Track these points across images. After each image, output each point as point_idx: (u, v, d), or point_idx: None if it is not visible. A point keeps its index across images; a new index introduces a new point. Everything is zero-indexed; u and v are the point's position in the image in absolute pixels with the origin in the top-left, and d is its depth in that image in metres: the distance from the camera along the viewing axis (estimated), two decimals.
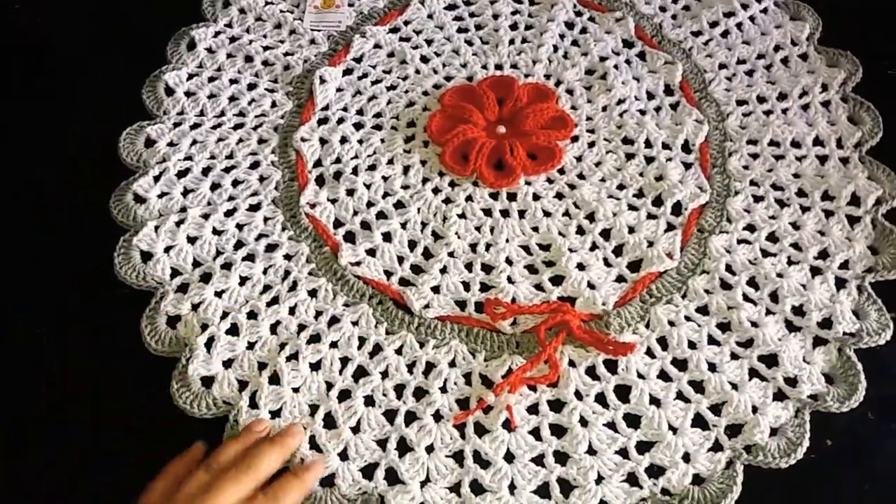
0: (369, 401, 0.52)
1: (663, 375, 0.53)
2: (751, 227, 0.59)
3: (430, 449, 0.50)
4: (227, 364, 0.54)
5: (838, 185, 0.60)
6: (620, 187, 0.61)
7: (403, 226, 0.60)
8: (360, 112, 0.67)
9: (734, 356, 0.53)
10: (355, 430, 0.51)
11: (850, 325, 0.53)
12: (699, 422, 0.51)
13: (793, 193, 0.60)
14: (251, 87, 0.68)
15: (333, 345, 0.54)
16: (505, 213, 0.60)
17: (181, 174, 0.63)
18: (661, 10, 0.72)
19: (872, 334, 0.53)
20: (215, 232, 0.60)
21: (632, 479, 0.49)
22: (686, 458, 0.49)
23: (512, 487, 0.49)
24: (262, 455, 0.48)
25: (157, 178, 0.62)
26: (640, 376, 0.52)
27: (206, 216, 0.60)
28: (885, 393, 0.52)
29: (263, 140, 0.65)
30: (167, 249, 0.58)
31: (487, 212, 0.61)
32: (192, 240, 0.59)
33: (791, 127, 0.63)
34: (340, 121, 0.66)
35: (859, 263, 0.56)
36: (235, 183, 0.62)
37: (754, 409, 0.51)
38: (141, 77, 0.69)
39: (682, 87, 0.66)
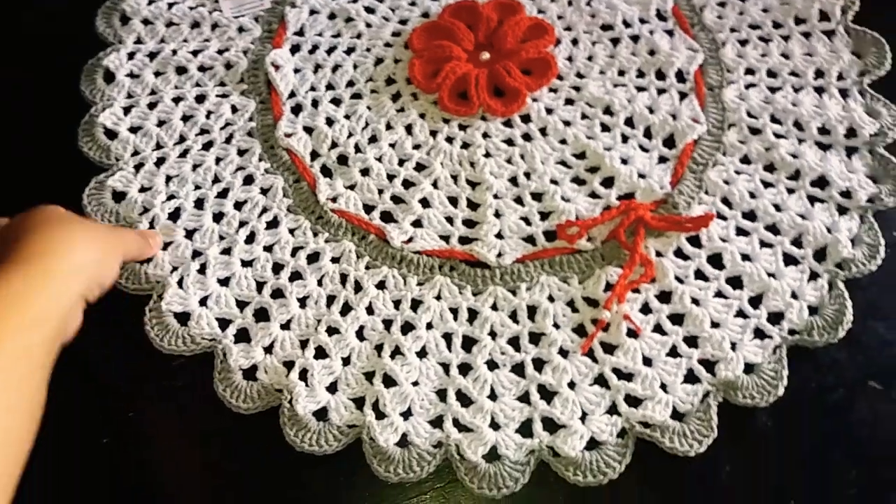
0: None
1: (741, 231, 0.54)
2: (750, 71, 0.61)
3: (571, 385, 0.50)
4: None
5: (805, 5, 0.63)
6: (621, 73, 0.61)
7: (435, 185, 0.57)
8: (330, 87, 0.61)
9: (790, 191, 0.55)
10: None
11: (870, 127, 0.57)
12: (789, 260, 0.53)
13: (770, 27, 0.62)
14: (200, 98, 0.61)
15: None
16: (527, 137, 0.59)
17: (173, 216, 0.55)
18: None
19: (891, 127, 0.57)
20: (245, 264, 0.54)
21: (760, 334, 0.51)
22: (794, 295, 0.52)
23: (664, 387, 0.49)
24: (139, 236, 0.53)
25: (151, 224, 0.55)
26: (723, 240, 0.54)
27: (227, 251, 0.54)
28: None
29: (244, 150, 0.58)
30: (202, 301, 0.52)
31: (509, 142, 0.59)
32: (223, 281, 0.53)
33: None
34: (315, 103, 0.60)
35: (851, 70, 0.60)
36: (238, 206, 0.56)
37: (829, 230, 0.54)
38: (66, 134, 0.59)
39: None
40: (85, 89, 0.61)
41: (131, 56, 0.62)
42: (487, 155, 0.58)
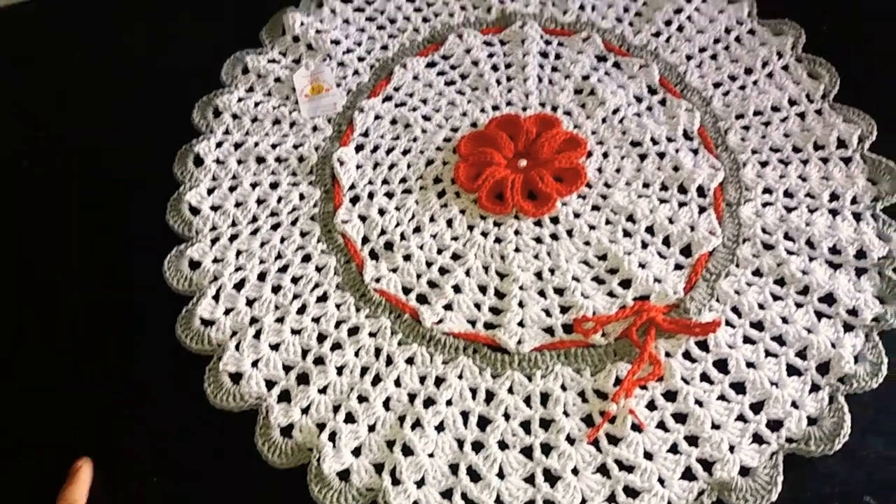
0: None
1: (748, 340, 0.58)
2: (767, 190, 0.66)
3: (574, 471, 0.53)
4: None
5: (823, 133, 0.67)
6: (646, 185, 0.67)
7: (468, 273, 0.63)
8: (385, 182, 0.70)
9: (798, 305, 0.59)
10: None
11: (880, 250, 0.61)
12: (792, 370, 0.56)
13: (790, 151, 0.67)
14: (273, 185, 0.70)
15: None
16: (555, 237, 0.65)
17: (238, 286, 0.64)
18: (617, 21, 0.79)
19: None
20: (294, 332, 0.61)
21: (758, 439, 0.54)
22: (794, 405, 0.55)
23: (661, 482, 0.53)
24: (67, 495, 0.54)
25: (216, 298, 0.63)
26: (730, 347, 0.57)
27: (280, 320, 0.62)
28: None
29: (305, 232, 0.67)
30: (254, 363, 0.59)
31: (538, 240, 0.65)
32: (274, 346, 0.60)
33: (765, 95, 0.71)
34: (371, 195, 0.69)
35: (865, 195, 0.64)
36: (295, 280, 0.64)
37: (833, 345, 0.57)
38: (158, 206, 0.69)
39: (662, 84, 0.73)
40: (177, 170, 0.71)
41: (219, 145, 0.73)
42: (517, 250, 0.64)
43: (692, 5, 0.78)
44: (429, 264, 0.64)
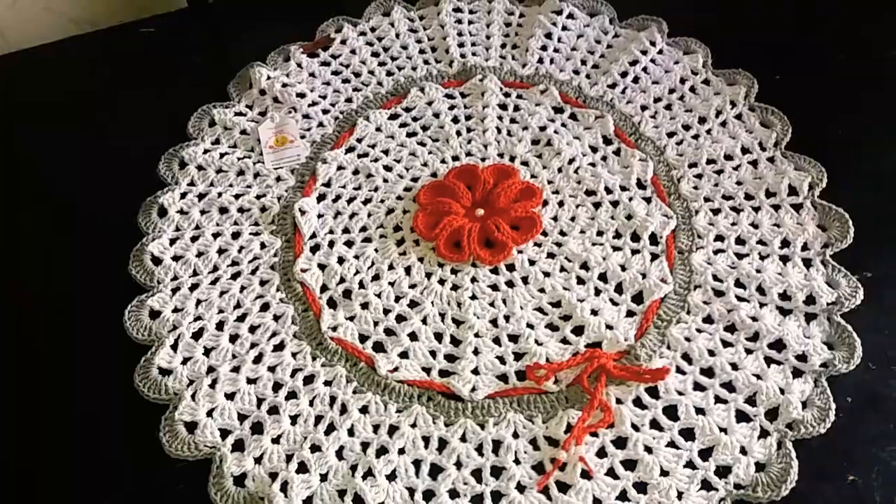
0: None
1: (698, 386, 0.59)
2: (719, 238, 0.67)
3: None
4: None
5: (775, 181, 0.69)
6: (599, 233, 0.68)
7: (424, 321, 0.64)
8: (346, 230, 0.71)
9: (748, 351, 0.60)
10: None
11: (829, 296, 0.62)
12: (742, 416, 0.57)
13: (742, 198, 0.69)
14: (235, 235, 0.71)
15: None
16: (510, 284, 0.66)
17: (196, 335, 0.64)
18: (575, 73, 0.81)
19: (849, 297, 0.61)
20: (250, 381, 0.61)
21: (706, 485, 0.54)
22: (743, 451, 0.55)
23: None
24: None
25: (174, 347, 0.64)
26: (680, 393, 0.58)
27: (236, 369, 0.62)
28: (876, 343, 0.60)
29: (265, 281, 0.68)
30: (209, 413, 0.60)
31: (494, 287, 0.66)
32: (229, 396, 0.61)
33: (718, 143, 0.73)
34: (331, 244, 0.70)
35: (816, 241, 0.65)
36: (252, 329, 0.65)
37: (782, 391, 0.57)
38: (119, 256, 0.70)
39: (617, 135, 0.75)
40: (141, 221, 0.72)
41: (183, 195, 0.74)
42: (473, 297, 0.65)
43: (648, 57, 0.81)
44: (386, 311, 0.65)
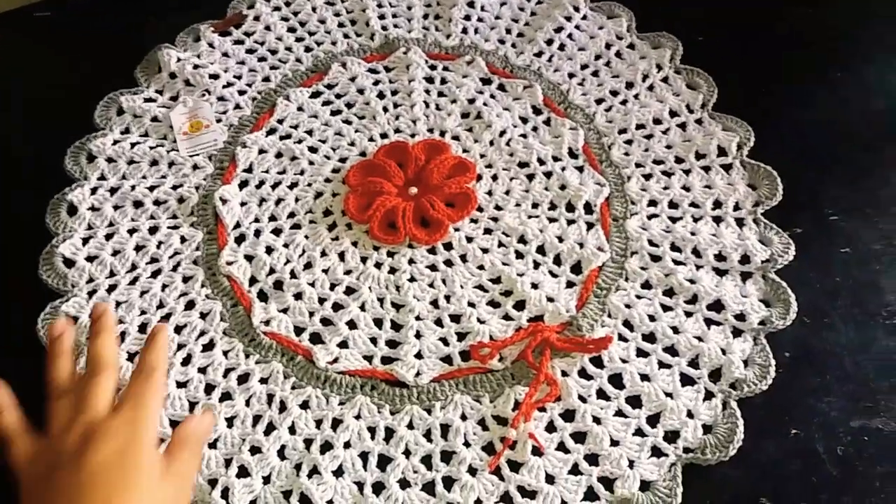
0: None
1: (641, 353, 0.58)
2: (653, 202, 0.67)
3: (478, 503, 0.52)
4: None
5: (704, 142, 0.69)
6: (535, 205, 0.67)
7: (363, 308, 0.62)
8: (272, 218, 0.67)
9: (688, 314, 0.60)
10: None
11: (763, 254, 0.62)
12: (686, 380, 0.57)
13: (672, 162, 0.69)
14: (153, 230, 0.66)
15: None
16: (449, 263, 0.64)
17: (118, 340, 0.60)
18: (500, 43, 0.79)
19: (782, 254, 0.62)
20: (180, 385, 0.58)
21: (656, 451, 0.54)
22: (689, 414, 0.55)
23: None
24: (98, 350, 0.53)
25: None
26: (624, 361, 0.58)
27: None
28: (808, 297, 0.61)
29: (188, 277, 0.64)
30: None
31: (433, 267, 0.64)
32: None
33: (647, 108, 0.73)
34: (257, 233, 0.66)
35: (747, 201, 0.66)
36: (178, 329, 0.61)
37: (723, 351, 0.58)
38: (28, 260, 0.65)
39: (546, 104, 0.73)
40: (49, 222, 0.67)
41: (94, 191, 0.69)
42: (412, 279, 0.63)
43: (572, 23, 0.80)
44: (321, 301, 0.62)
